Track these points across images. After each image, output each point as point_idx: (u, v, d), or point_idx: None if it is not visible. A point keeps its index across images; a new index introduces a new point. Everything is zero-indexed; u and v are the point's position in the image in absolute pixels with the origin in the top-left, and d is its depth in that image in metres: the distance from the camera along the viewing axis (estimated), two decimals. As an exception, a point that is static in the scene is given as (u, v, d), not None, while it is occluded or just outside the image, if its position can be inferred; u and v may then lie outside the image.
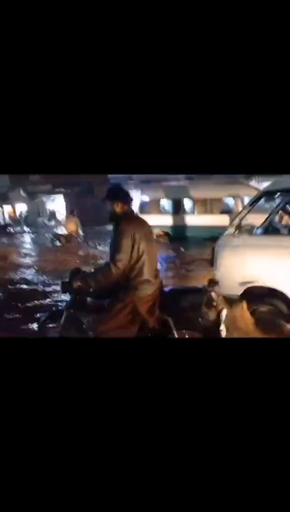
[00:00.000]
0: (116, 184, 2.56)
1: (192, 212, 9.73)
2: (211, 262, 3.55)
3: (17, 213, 20.85)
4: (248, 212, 3.43)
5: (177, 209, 9.93)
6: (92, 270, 2.24)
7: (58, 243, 9.89)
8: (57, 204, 19.26)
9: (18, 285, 5.64)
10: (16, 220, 20.16)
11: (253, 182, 7.95)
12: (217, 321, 2.08)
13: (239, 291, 3.22)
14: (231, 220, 3.53)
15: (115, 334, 2.03)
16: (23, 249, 10.46)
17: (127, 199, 2.21)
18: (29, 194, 19.80)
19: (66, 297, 2.51)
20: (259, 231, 3.82)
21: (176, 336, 2.09)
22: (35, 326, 3.49)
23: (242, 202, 8.23)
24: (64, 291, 2.37)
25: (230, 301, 3.13)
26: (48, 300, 4.68)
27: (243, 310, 3.17)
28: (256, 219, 4.15)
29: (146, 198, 10.44)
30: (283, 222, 4.58)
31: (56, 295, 4.81)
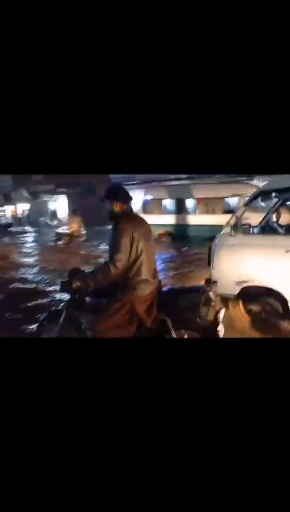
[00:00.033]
0: (115, 184, 2.56)
1: (195, 211, 9.73)
2: (208, 261, 3.56)
3: (20, 213, 20.93)
4: (244, 211, 3.45)
5: (180, 208, 9.94)
6: (92, 270, 2.24)
7: (60, 242, 9.91)
8: (59, 204, 19.32)
9: (19, 284, 5.65)
10: (18, 220, 20.24)
11: (255, 181, 7.92)
12: (215, 321, 2.08)
13: (236, 290, 3.26)
14: (228, 220, 3.56)
15: (113, 334, 2.03)
16: (25, 248, 10.48)
17: (126, 199, 2.21)
18: (31, 194, 19.86)
19: (66, 296, 2.51)
20: (255, 230, 3.84)
21: (174, 336, 2.09)
22: (35, 326, 3.50)
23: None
24: (63, 290, 2.37)
25: (227, 300, 3.15)
26: (48, 299, 4.69)
27: (239, 309, 3.21)
28: (257, 218, 4.17)
29: (149, 198, 10.46)
30: (283, 221, 4.58)
31: (57, 295, 4.82)
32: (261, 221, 4.16)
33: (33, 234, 15.21)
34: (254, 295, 3.25)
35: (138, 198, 10.39)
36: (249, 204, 3.50)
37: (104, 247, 8.58)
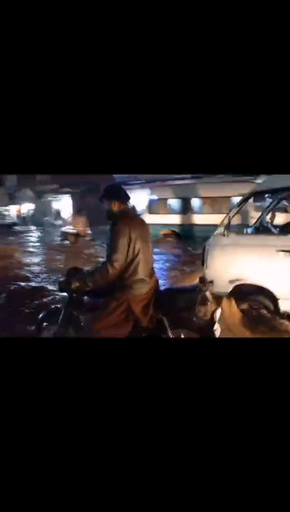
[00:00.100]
0: (113, 183, 2.58)
1: (201, 211, 9.70)
2: (202, 261, 3.65)
3: (24, 212, 21.05)
4: (237, 212, 3.57)
5: (186, 208, 9.91)
6: (90, 270, 2.26)
7: (67, 242, 9.94)
8: (63, 203, 19.39)
9: (23, 283, 5.68)
10: (23, 219, 20.35)
11: (260, 180, 7.87)
12: (212, 321, 2.09)
13: (228, 289, 3.35)
14: (221, 220, 3.65)
15: (110, 333, 2.05)
16: (29, 247, 10.54)
17: (124, 198, 2.22)
18: (36, 194, 19.96)
19: (65, 296, 2.54)
20: (249, 230, 3.92)
21: (170, 335, 2.10)
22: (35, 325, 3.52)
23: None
24: (61, 290, 2.39)
25: (220, 299, 3.23)
26: (50, 298, 4.71)
27: (231, 307, 3.31)
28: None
29: (154, 197, 10.45)
30: (277, 221, 4.65)
31: (58, 294, 4.84)
32: (255, 221, 4.25)
33: (38, 233, 15.28)
34: (246, 293, 3.36)
35: (143, 198, 10.40)
36: (242, 205, 3.59)
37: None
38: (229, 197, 8.91)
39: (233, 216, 3.50)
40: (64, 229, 11.07)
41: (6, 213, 21.10)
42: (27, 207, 21.13)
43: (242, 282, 3.30)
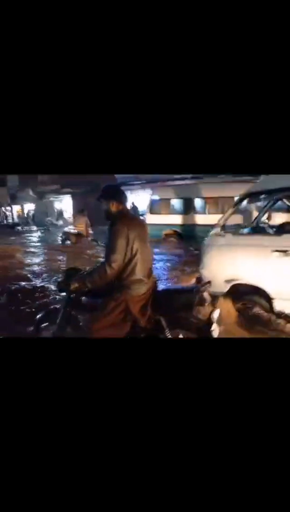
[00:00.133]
0: (111, 183, 2.59)
1: (203, 211, 9.69)
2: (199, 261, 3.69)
3: (26, 213, 21.11)
4: (233, 212, 3.60)
5: (188, 208, 9.90)
6: (88, 271, 2.27)
7: (68, 242, 9.95)
8: (64, 203, 19.43)
9: (23, 283, 5.69)
10: (24, 219, 20.41)
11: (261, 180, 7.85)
12: (210, 321, 2.09)
13: (225, 288, 3.38)
14: (218, 220, 3.69)
15: (108, 333, 2.05)
16: (31, 248, 10.56)
17: (122, 199, 2.23)
18: (37, 194, 20.01)
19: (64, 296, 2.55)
20: (245, 230, 3.95)
21: (169, 335, 2.10)
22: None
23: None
24: (60, 290, 2.40)
25: (216, 298, 3.26)
26: (51, 298, 4.73)
27: (228, 307, 3.35)
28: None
29: (156, 198, 10.44)
30: (274, 222, 4.67)
31: (59, 295, 4.84)
32: (252, 222, 4.28)
33: (39, 234, 15.31)
34: (243, 293, 3.39)
35: (145, 198, 10.38)
36: (238, 205, 3.60)
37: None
38: (231, 197, 8.89)
39: (228, 217, 3.54)
40: (66, 229, 11.07)
41: (8, 213, 21.19)
42: (28, 207, 21.19)
43: (238, 282, 3.34)
